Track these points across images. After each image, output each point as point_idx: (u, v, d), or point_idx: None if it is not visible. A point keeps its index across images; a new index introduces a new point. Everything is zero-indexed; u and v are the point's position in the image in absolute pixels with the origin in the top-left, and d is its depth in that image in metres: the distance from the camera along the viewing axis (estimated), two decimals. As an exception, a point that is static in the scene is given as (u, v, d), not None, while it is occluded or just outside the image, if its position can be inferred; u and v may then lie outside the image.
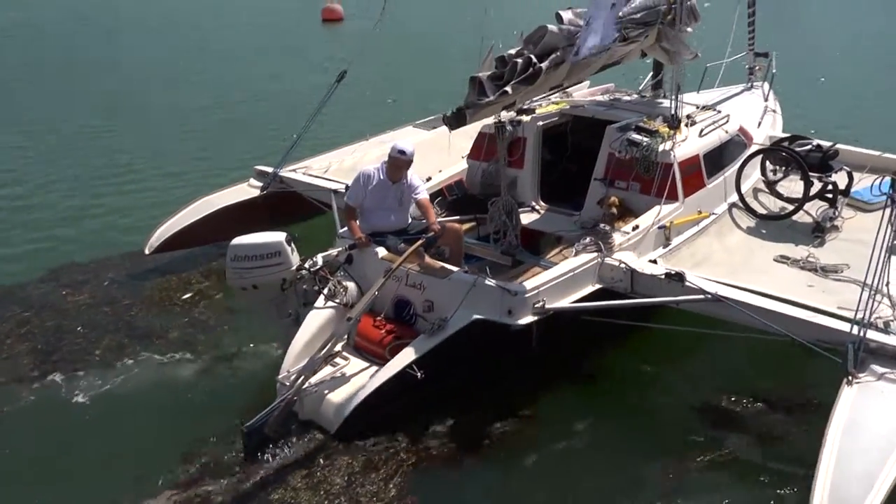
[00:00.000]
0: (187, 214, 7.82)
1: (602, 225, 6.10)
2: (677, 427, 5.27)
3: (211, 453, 5.01)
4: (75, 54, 19.94)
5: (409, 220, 6.42)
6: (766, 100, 9.29)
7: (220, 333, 6.63)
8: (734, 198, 7.04)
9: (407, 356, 5.15)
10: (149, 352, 6.27)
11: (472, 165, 7.65)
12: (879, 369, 4.51)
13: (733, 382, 5.72)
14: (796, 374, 5.62)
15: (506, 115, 7.19)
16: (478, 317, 5.26)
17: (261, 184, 8.25)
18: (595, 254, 5.73)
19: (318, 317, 5.73)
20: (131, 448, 5.14)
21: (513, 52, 5.76)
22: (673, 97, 6.67)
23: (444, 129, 9.60)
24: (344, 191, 7.54)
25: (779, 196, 7.13)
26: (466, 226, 6.82)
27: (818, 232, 6.52)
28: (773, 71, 9.33)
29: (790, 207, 6.88)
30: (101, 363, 6.10)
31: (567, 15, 5.95)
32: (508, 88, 5.33)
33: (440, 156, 8.13)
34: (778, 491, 4.61)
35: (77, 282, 7.46)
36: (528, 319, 5.28)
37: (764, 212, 6.97)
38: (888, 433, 4.09)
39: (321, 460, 4.94)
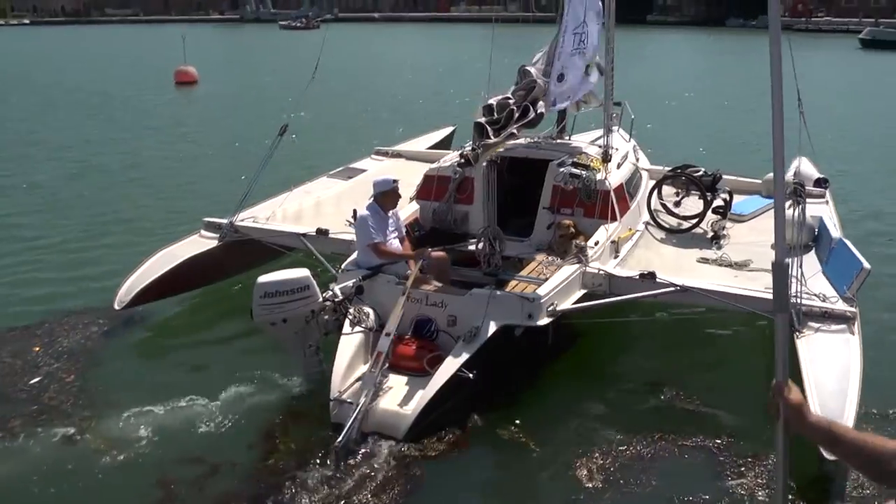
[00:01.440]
0: (152, 267, 7.87)
1: (577, 240, 7.31)
2: (659, 399, 6.49)
3: (297, 474, 5.35)
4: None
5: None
6: (628, 140, 11.20)
7: (216, 372, 6.84)
8: (646, 216, 8.62)
9: (454, 363, 5.90)
10: (149, 399, 6.33)
11: (424, 205, 8.52)
12: (814, 324, 6.11)
13: (698, 357, 7.12)
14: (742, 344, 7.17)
15: (450, 160, 8.33)
16: (506, 323, 6.17)
17: (213, 234, 8.51)
18: (578, 265, 6.91)
19: (350, 341, 6.29)
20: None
21: (494, 102, 6.86)
22: (605, 136, 8.12)
23: (360, 177, 10.58)
24: (315, 234, 8.17)
25: (675, 215, 8.82)
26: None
27: (716, 239, 8.23)
28: (632, 116, 11.26)
29: (685, 224, 8.58)
30: (98, 411, 6.13)
31: (533, 70, 7.17)
32: (514, 130, 6.41)
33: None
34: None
35: (56, 340, 7.30)
36: (545, 321, 6.29)
37: (667, 226, 8.60)
38: (838, 359, 5.65)
39: (393, 463, 5.50)
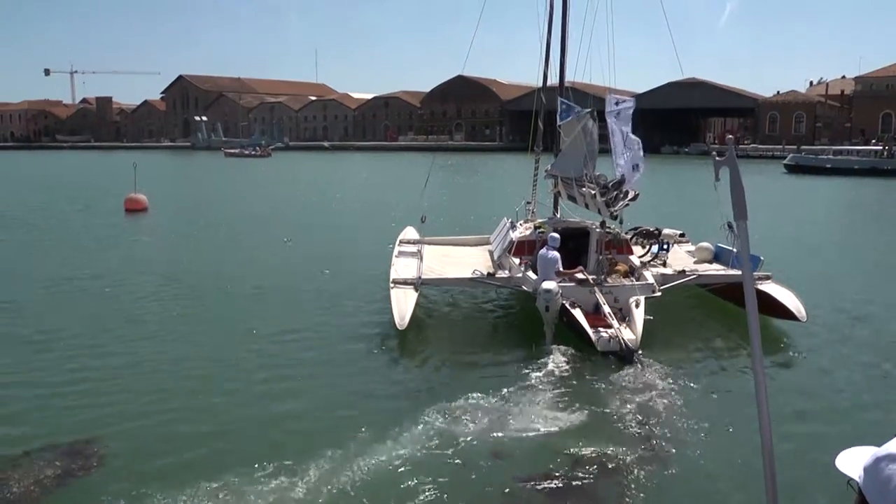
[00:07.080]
0: (403, 303, 12.17)
1: (617, 266, 13.66)
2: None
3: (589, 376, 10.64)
4: None
5: (555, 274, 12.82)
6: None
7: (483, 364, 11.59)
8: (627, 255, 15.31)
9: (640, 313, 11.71)
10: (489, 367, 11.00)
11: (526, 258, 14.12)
12: (759, 282, 13.25)
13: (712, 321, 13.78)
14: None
15: (526, 229, 14.25)
16: (647, 295, 12.18)
17: (405, 286, 13.01)
18: (648, 271, 13.23)
19: (579, 314, 11.71)
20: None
21: (591, 192, 13.07)
22: (621, 210, 14.69)
23: (425, 252, 15.65)
24: (486, 276, 13.26)
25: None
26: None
27: (664, 264, 15.17)
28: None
29: (646, 257, 15.41)
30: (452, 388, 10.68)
31: (599, 173, 13.57)
32: (627, 202, 12.69)
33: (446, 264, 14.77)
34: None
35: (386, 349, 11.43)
36: (659, 293, 12.46)
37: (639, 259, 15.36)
38: (783, 290, 12.79)
39: (643, 360, 11.06)
